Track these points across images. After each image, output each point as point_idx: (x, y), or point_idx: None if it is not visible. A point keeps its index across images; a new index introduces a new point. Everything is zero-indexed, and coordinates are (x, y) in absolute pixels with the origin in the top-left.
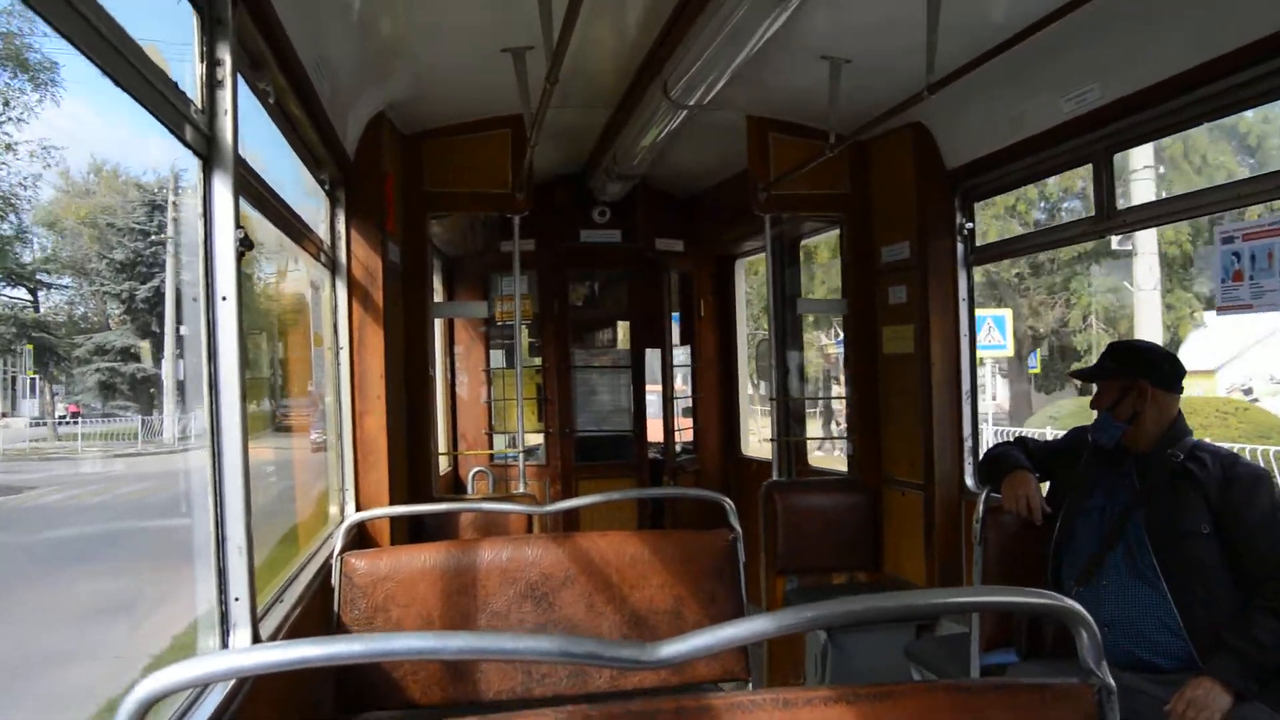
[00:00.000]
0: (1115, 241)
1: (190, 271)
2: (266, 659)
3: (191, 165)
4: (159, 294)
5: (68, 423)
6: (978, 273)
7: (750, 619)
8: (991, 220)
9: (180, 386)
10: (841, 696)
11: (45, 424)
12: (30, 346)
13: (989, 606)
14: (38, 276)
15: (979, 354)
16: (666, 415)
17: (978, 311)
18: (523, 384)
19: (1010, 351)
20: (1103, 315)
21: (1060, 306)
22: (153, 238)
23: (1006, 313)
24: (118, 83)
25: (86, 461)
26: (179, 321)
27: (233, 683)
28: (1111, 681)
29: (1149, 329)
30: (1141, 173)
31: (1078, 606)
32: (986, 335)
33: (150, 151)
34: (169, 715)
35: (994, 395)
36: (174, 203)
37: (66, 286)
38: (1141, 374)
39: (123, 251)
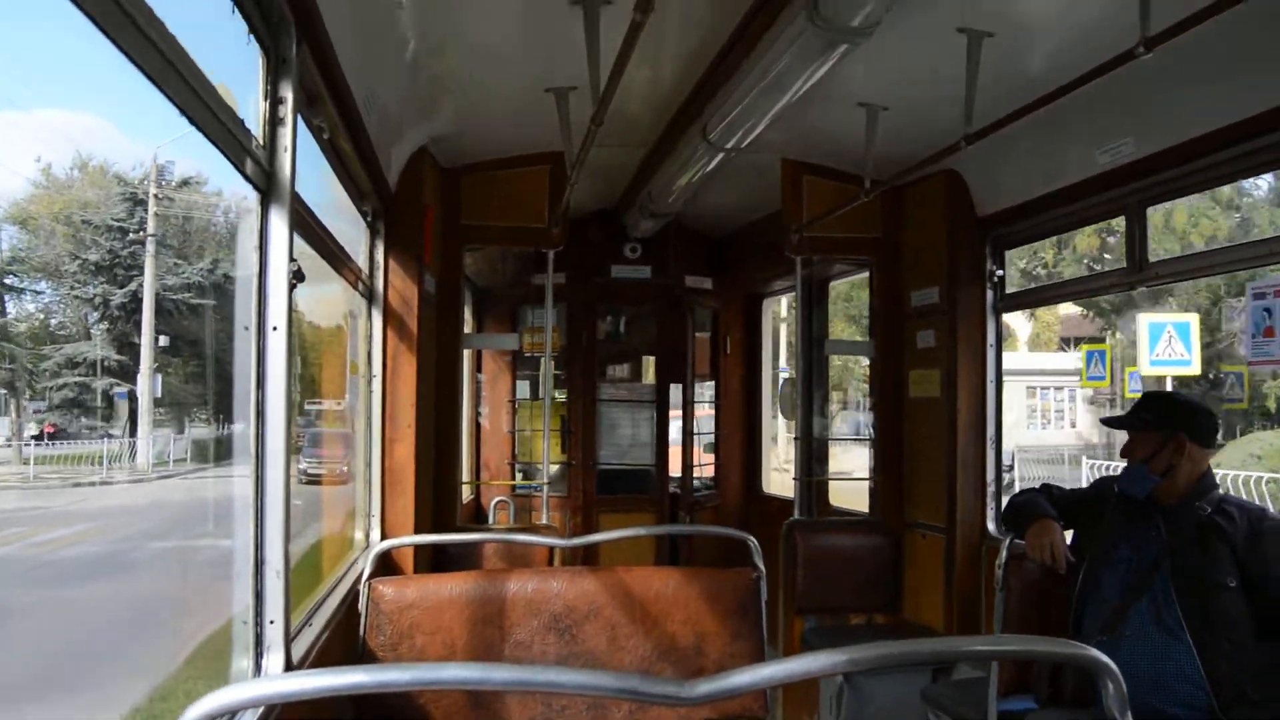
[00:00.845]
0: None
1: (241, 301)
2: (312, 685)
3: (250, 195)
4: (136, 299)
5: (40, 444)
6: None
7: (788, 660)
8: None
9: (158, 404)
10: None
11: (11, 445)
12: None
13: (1019, 655)
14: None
15: (1156, 370)
16: (685, 449)
17: (1151, 318)
18: (549, 417)
19: (1196, 369)
20: None
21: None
22: (131, 236)
23: (1192, 318)
24: (190, 119)
25: (38, 492)
26: (158, 332)
27: (263, 708)
28: None
29: None
30: None
31: (1103, 656)
32: (1166, 348)
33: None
34: None
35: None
36: (155, 195)
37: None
38: (1181, 427)
39: (98, 251)
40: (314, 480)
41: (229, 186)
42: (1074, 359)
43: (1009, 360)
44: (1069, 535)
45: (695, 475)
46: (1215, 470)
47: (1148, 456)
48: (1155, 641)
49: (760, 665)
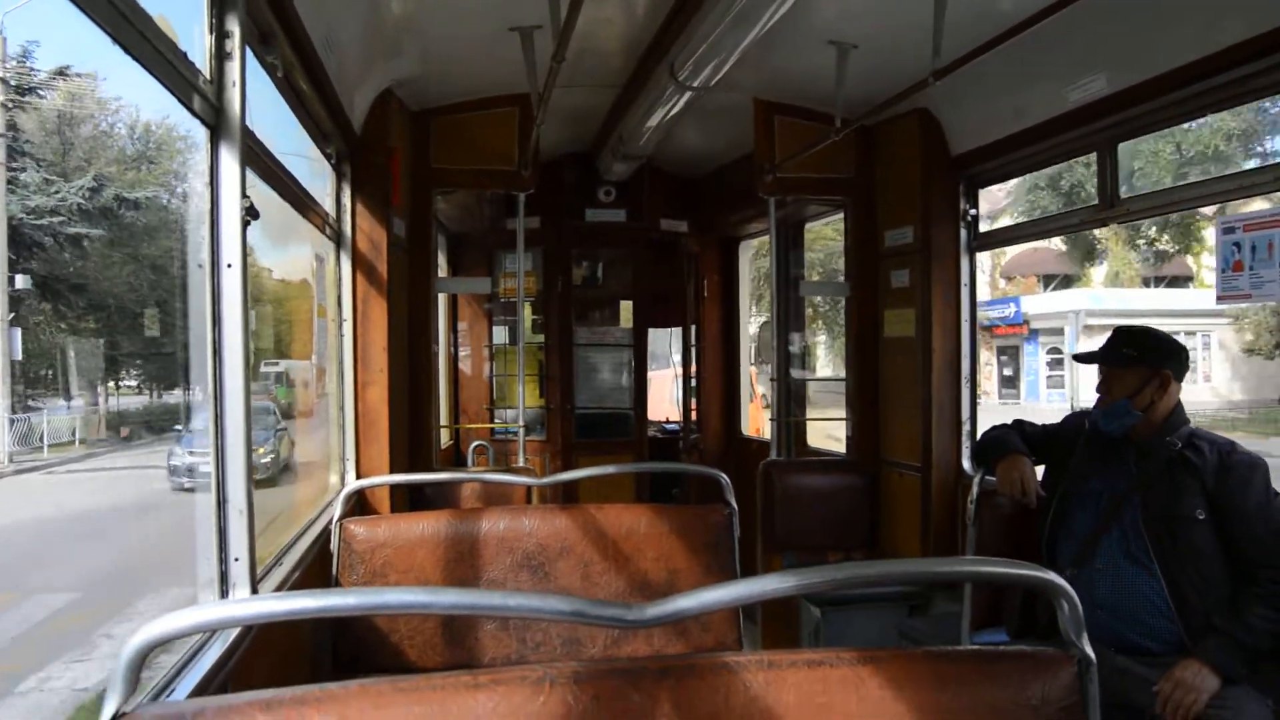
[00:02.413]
0: None
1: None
2: (262, 609)
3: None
4: None
5: None
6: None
7: (734, 583)
8: None
9: (16, 370)
10: (824, 660)
11: None
12: None
13: (970, 577)
14: None
15: None
16: (685, 394)
17: None
18: (525, 360)
19: None
20: None
21: None
22: None
23: None
24: (127, 50)
25: None
26: (14, 269)
27: (234, 636)
28: (1091, 653)
29: None
30: None
31: (1058, 579)
32: None
33: None
34: (171, 664)
35: None
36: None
37: None
38: (1165, 364)
39: None
40: (182, 488)
41: (134, 92)
42: (1196, 297)
43: (1109, 300)
44: (1040, 470)
45: (676, 421)
46: None
47: (1131, 393)
48: (1125, 574)
49: (709, 589)
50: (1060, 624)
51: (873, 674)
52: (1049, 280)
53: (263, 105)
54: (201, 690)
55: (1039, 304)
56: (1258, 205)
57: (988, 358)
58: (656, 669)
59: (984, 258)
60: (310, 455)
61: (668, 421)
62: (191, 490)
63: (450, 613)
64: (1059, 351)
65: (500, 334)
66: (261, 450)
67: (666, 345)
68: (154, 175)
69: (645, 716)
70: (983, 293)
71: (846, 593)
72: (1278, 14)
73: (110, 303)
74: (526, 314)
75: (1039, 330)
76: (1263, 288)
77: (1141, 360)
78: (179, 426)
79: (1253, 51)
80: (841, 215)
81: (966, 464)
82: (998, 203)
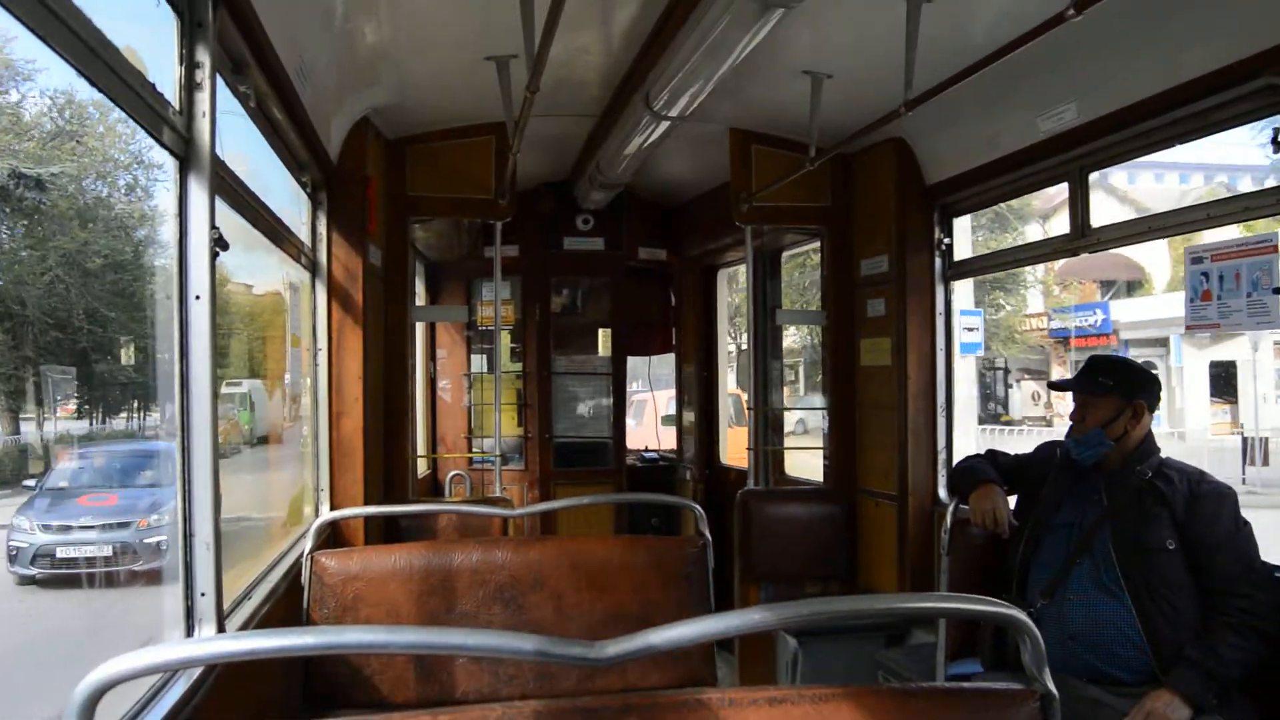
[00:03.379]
0: None
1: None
2: (220, 649)
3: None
4: None
5: None
6: None
7: (702, 619)
8: None
9: None
10: (787, 698)
11: None
12: None
13: (939, 613)
14: None
15: None
16: (679, 423)
17: None
18: (502, 389)
19: None
20: None
21: None
22: None
23: None
24: (94, 84)
25: None
26: None
27: (196, 675)
28: (1053, 688)
29: None
30: None
31: (1021, 615)
32: None
33: None
34: (128, 707)
35: None
36: None
37: None
38: (1139, 394)
39: None
40: (63, 579)
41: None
42: None
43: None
44: (1013, 501)
45: (654, 449)
46: None
47: (1105, 422)
48: (1097, 604)
49: (675, 625)
50: (1023, 659)
51: (837, 710)
52: (1106, 287)
53: (238, 134)
54: None
55: (1133, 310)
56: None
57: (1061, 374)
58: (618, 706)
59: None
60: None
61: (646, 450)
62: (47, 584)
63: (410, 652)
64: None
65: (478, 362)
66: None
67: (645, 374)
68: (71, 153)
69: None
70: (1036, 302)
71: (824, 625)
72: (1236, 48)
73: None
74: (505, 342)
75: (1130, 341)
76: (1230, 316)
77: (1116, 390)
78: (31, 480)
79: (1213, 84)
80: (817, 244)
81: (943, 493)
82: None
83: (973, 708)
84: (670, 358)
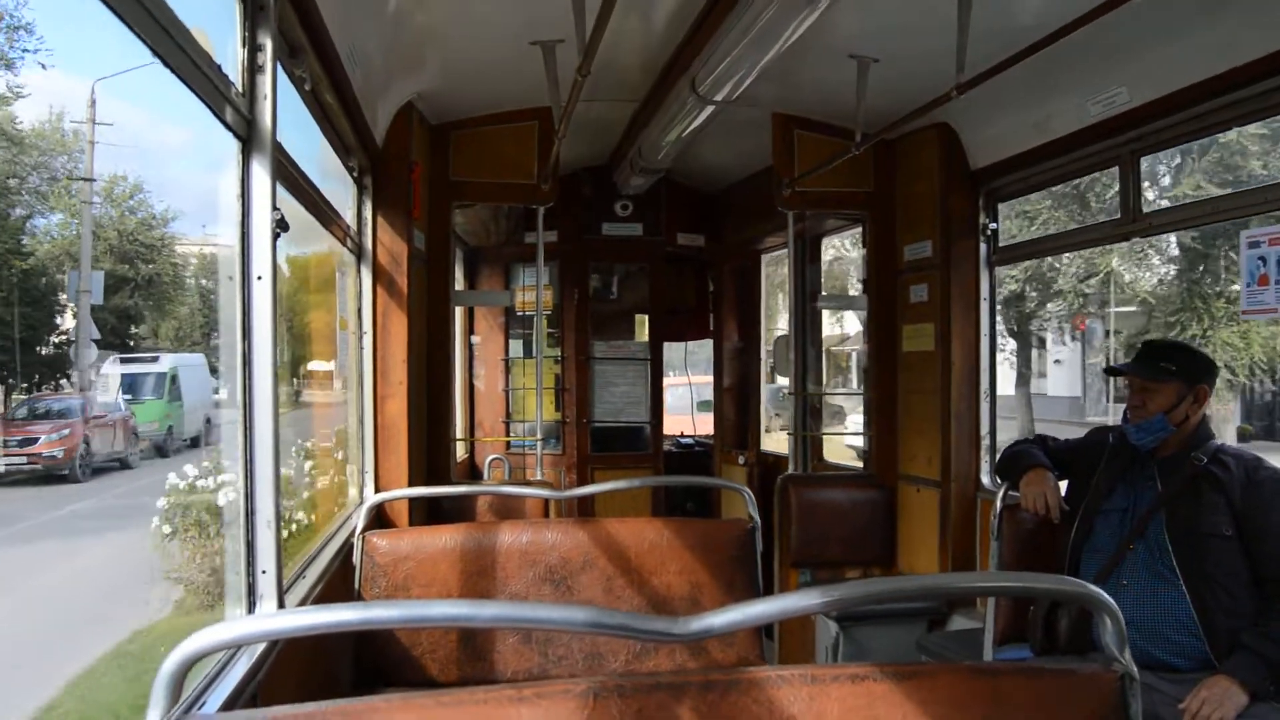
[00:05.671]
0: None
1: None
2: (300, 622)
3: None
4: None
5: None
6: None
7: (778, 597)
8: None
9: None
10: (867, 675)
11: None
12: None
13: (1014, 592)
14: None
15: None
16: (718, 409)
17: None
18: (542, 374)
19: None
20: None
21: None
22: None
23: None
24: (165, 63)
25: None
26: None
27: (260, 651)
28: (1134, 669)
29: None
30: None
31: (1102, 593)
32: None
33: None
34: (197, 681)
35: None
36: None
37: None
38: (1203, 379)
39: None
40: None
41: None
42: None
43: None
44: (1063, 486)
45: (692, 435)
46: None
47: (1168, 408)
48: (1151, 590)
49: (752, 602)
50: (1103, 640)
51: (916, 688)
52: None
53: (286, 118)
54: (232, 703)
55: None
56: None
57: None
58: (699, 683)
59: None
60: None
61: (682, 435)
62: None
63: (492, 626)
64: None
65: (516, 347)
66: None
67: (681, 360)
68: None
69: None
70: None
71: (866, 608)
72: None
73: None
74: (543, 327)
75: None
76: None
77: (1180, 375)
78: None
79: (1271, 67)
80: (859, 229)
81: (986, 478)
82: None
83: (1051, 689)
84: (707, 344)
